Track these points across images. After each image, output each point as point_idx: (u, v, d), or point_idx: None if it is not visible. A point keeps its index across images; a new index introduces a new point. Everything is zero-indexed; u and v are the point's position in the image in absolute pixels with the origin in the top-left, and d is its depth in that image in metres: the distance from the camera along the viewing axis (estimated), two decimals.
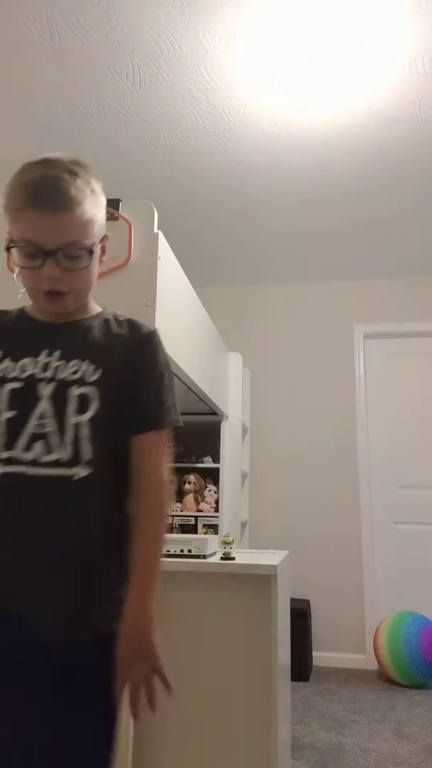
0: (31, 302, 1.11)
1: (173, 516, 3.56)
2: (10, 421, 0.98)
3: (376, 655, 3.53)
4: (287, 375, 4.35)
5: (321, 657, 3.85)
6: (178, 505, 3.61)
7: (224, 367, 3.51)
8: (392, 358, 4.27)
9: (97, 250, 1.06)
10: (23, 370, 1.01)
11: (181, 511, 3.59)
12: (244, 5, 2.03)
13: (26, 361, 1.02)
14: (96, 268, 1.07)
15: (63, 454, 0.96)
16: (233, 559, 1.91)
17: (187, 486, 3.63)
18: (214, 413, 3.40)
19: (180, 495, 3.67)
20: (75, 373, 1.01)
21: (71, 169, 1.00)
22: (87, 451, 0.97)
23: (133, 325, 1.11)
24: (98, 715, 0.96)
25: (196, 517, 3.55)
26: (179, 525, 3.57)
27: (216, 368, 3.19)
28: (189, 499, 3.60)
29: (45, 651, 0.93)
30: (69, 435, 0.97)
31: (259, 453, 4.21)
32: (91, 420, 0.98)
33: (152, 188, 3.16)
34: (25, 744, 0.91)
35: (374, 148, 2.82)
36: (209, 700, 1.79)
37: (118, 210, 2.11)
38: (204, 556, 1.90)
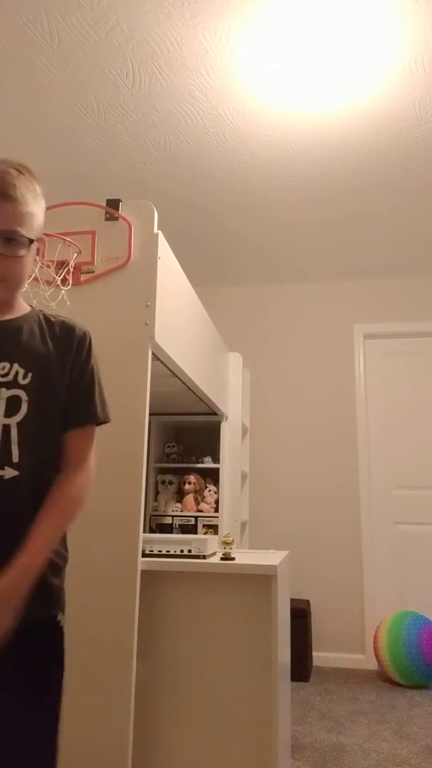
0: None
1: (173, 516, 3.56)
2: None
3: (376, 655, 3.53)
4: (287, 375, 4.35)
5: (321, 657, 3.85)
6: (178, 505, 3.61)
7: (224, 367, 3.51)
8: (392, 359, 4.27)
9: (33, 246, 1.08)
10: None
11: (181, 511, 3.59)
12: (244, 5, 2.03)
13: None
14: (30, 265, 1.10)
15: None
16: (233, 559, 1.91)
17: (187, 486, 3.63)
18: (214, 413, 3.40)
19: (180, 495, 3.66)
20: (5, 375, 1.03)
21: (16, 167, 1.07)
22: (15, 453, 1.00)
23: (66, 327, 1.14)
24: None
25: (196, 518, 3.55)
26: (179, 525, 3.57)
27: (216, 368, 3.19)
28: (189, 499, 3.60)
29: None
30: None
31: (259, 453, 4.21)
32: (20, 423, 1.02)
33: (152, 188, 3.16)
34: None
35: (374, 149, 2.82)
36: (209, 700, 1.79)
37: (118, 210, 2.11)
38: (204, 557, 1.91)
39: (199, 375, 2.65)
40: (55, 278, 2.05)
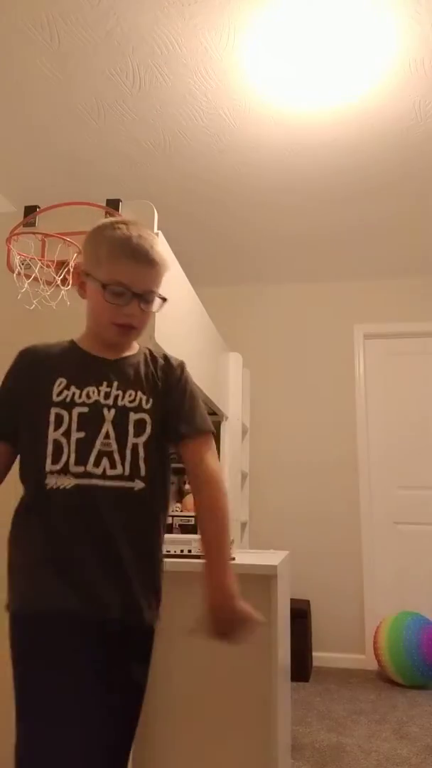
0: (80, 338, 1.30)
1: (173, 516, 3.56)
2: (80, 441, 1.15)
3: (376, 656, 3.53)
4: (287, 375, 4.34)
5: (321, 657, 3.84)
6: (178, 505, 3.61)
7: (224, 367, 3.51)
8: (392, 359, 4.27)
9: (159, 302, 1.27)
10: (89, 396, 1.19)
11: (181, 511, 3.59)
12: (244, 5, 2.03)
13: (90, 389, 1.20)
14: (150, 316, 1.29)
15: (125, 469, 1.15)
16: (233, 559, 1.91)
17: (187, 486, 3.63)
18: (214, 413, 3.40)
19: (180, 495, 3.66)
20: (133, 401, 1.20)
21: (151, 233, 1.25)
22: (142, 468, 1.17)
23: (167, 360, 1.34)
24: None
25: (196, 518, 3.55)
26: (179, 525, 3.56)
27: (216, 368, 3.19)
28: (189, 499, 3.60)
29: (110, 630, 1.11)
30: (128, 453, 1.16)
31: (259, 453, 4.21)
32: (146, 442, 1.19)
33: (152, 188, 3.16)
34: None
35: (374, 149, 2.82)
36: (209, 701, 1.79)
37: (118, 210, 2.11)
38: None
39: (199, 375, 2.65)
40: (55, 278, 2.05)
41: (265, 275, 4.37)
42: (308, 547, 4.00)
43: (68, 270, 2.04)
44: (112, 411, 1.18)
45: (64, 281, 2.04)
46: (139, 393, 1.22)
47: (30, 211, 2.23)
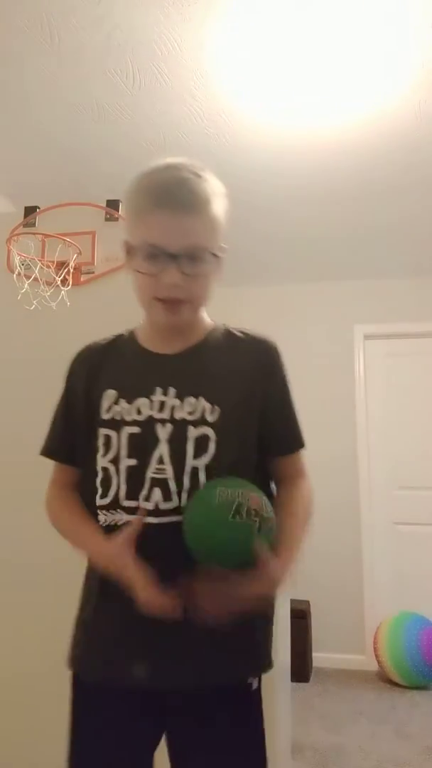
0: (141, 325, 1.06)
1: None
2: (131, 469, 0.93)
3: (376, 656, 3.53)
4: (287, 375, 4.34)
5: (321, 658, 3.84)
6: None
7: None
8: (392, 359, 4.26)
9: (219, 261, 0.99)
10: (139, 412, 0.95)
11: None
12: (244, 6, 2.03)
13: (141, 401, 0.95)
14: (214, 279, 1.01)
15: (182, 500, 0.91)
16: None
17: None
18: None
19: None
20: (192, 413, 0.94)
21: (197, 172, 0.98)
22: None
23: (254, 342, 1.05)
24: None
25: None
26: None
27: None
28: None
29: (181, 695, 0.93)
30: (187, 480, 0.91)
31: None
32: (209, 465, 0.92)
33: None
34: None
35: (374, 149, 2.82)
36: None
37: (118, 210, 2.11)
38: None
39: None
40: (55, 279, 2.05)
41: (265, 275, 4.36)
42: (308, 547, 3.99)
43: (68, 270, 2.04)
44: (168, 427, 0.93)
45: (64, 281, 2.04)
46: (202, 400, 0.94)
47: (30, 211, 2.23)
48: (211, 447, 0.92)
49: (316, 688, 3.39)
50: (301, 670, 3.41)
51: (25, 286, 2.06)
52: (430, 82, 2.38)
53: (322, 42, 2.18)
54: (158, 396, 0.95)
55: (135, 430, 0.94)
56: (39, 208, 2.23)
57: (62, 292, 2.02)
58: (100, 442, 0.96)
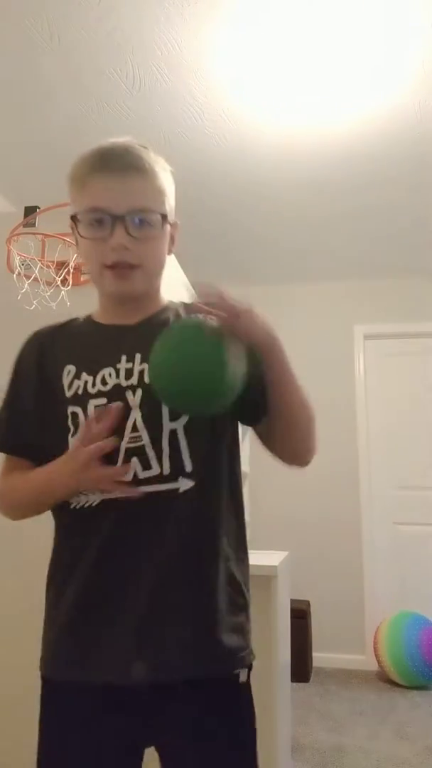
0: (96, 309, 1.02)
1: None
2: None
3: (376, 656, 3.53)
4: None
5: (321, 658, 3.84)
6: None
7: None
8: (392, 359, 4.26)
9: (168, 228, 0.97)
10: (105, 382, 0.90)
11: None
12: (244, 5, 2.03)
13: (106, 371, 0.90)
14: (166, 248, 0.97)
15: (163, 466, 0.86)
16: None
17: None
18: None
19: None
20: None
21: (143, 145, 0.97)
22: (187, 461, 0.87)
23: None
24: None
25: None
26: None
27: None
28: None
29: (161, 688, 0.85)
30: (166, 444, 0.87)
31: (259, 453, 4.16)
32: (187, 425, 0.87)
33: None
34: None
35: (374, 149, 2.82)
36: None
37: None
38: None
39: None
40: (55, 279, 2.05)
41: (264, 275, 4.37)
42: (308, 547, 4.00)
43: (68, 270, 2.04)
44: (138, 392, 0.88)
45: (64, 281, 2.04)
46: None
47: (30, 211, 2.23)
48: None
49: (316, 688, 3.39)
50: (301, 670, 3.41)
51: (25, 286, 2.06)
52: (430, 82, 2.38)
53: (322, 41, 2.18)
54: (124, 364, 0.90)
55: (101, 401, 0.89)
56: (39, 208, 2.23)
57: (62, 292, 2.02)
58: (69, 421, 0.91)
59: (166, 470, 0.86)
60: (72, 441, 0.90)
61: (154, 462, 0.86)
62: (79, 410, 0.90)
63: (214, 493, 0.91)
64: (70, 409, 0.91)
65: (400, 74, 2.34)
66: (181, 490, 0.87)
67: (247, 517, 3.49)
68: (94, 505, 0.88)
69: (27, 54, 2.27)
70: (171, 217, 0.97)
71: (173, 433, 0.87)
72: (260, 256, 4.05)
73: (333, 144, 2.79)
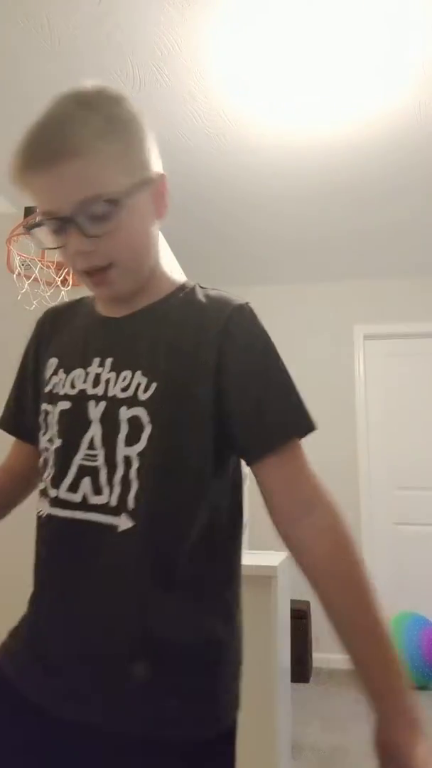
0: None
1: None
2: (58, 451, 0.77)
3: None
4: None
5: (321, 658, 3.84)
6: None
7: None
8: (392, 359, 4.27)
9: (137, 198, 0.76)
10: (73, 385, 0.79)
11: None
12: (245, 6, 2.03)
13: (77, 372, 0.79)
14: (144, 223, 0.78)
15: (111, 496, 0.73)
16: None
17: None
18: None
19: None
20: (125, 389, 0.75)
21: (78, 100, 0.81)
22: (131, 497, 0.72)
23: (213, 304, 0.79)
24: None
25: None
26: None
27: None
28: None
29: (82, 740, 0.70)
30: (119, 472, 0.73)
31: None
32: (142, 454, 0.72)
33: None
34: None
35: (374, 150, 2.82)
36: None
37: None
38: None
39: None
40: (55, 279, 2.05)
41: (264, 275, 4.37)
42: None
43: (68, 270, 2.04)
44: (101, 405, 0.75)
45: (64, 282, 2.04)
46: (138, 374, 0.75)
47: (30, 211, 2.23)
48: (145, 433, 0.72)
49: (316, 689, 3.39)
50: (301, 670, 3.41)
51: (25, 286, 2.06)
52: (430, 82, 2.38)
53: (322, 42, 2.18)
54: (94, 367, 0.78)
55: (66, 405, 0.78)
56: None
57: (62, 292, 2.02)
58: (41, 418, 0.82)
59: (113, 502, 0.72)
60: (42, 439, 0.82)
61: (105, 489, 0.73)
62: (51, 409, 0.80)
63: (164, 542, 0.73)
64: (44, 406, 0.82)
65: (400, 75, 2.34)
66: (120, 529, 0.71)
67: (247, 517, 3.47)
68: (42, 517, 0.78)
69: (27, 54, 2.27)
70: (137, 180, 0.76)
71: (127, 460, 0.73)
72: (260, 256, 4.05)
73: (333, 144, 2.79)
